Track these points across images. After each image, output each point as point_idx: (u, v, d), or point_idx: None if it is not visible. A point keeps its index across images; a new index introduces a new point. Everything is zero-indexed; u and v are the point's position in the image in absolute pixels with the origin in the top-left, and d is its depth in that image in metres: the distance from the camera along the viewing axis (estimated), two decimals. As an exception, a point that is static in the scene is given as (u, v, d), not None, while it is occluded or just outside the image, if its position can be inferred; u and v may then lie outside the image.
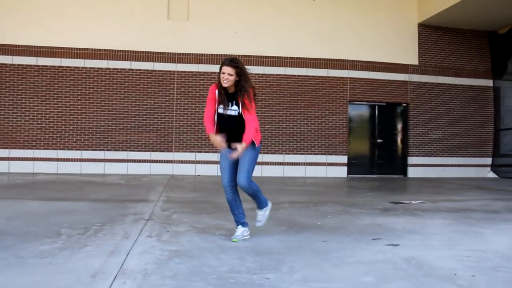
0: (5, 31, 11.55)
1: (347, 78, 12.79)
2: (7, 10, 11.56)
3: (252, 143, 4.33)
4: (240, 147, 4.17)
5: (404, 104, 13.31)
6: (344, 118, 12.78)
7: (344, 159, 12.75)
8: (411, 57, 13.24)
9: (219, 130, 4.42)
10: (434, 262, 3.74)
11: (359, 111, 13.29)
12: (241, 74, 4.26)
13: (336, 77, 12.76)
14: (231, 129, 4.37)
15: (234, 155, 4.20)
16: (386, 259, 3.84)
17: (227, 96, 4.35)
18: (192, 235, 4.68)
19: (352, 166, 12.89)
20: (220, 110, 4.36)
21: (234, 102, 4.32)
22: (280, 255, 3.94)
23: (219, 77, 4.30)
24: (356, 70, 12.84)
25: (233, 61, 4.27)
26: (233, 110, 4.33)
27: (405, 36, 13.21)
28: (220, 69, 4.29)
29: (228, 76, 4.22)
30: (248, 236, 4.51)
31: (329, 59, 12.73)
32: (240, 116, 4.32)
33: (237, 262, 3.69)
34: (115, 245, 4.15)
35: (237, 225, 4.53)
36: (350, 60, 12.81)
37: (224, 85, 4.26)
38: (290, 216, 5.98)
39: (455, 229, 5.24)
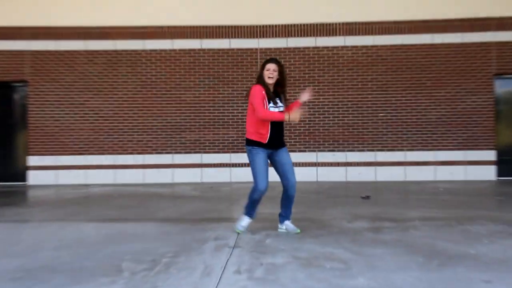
0: (49, 12, 11.97)
1: (491, 43, 11.94)
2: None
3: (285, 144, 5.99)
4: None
5: None
6: (489, 99, 11.94)
7: (490, 155, 11.93)
8: None
9: (270, 128, 5.73)
10: None
11: (511, 87, 12.37)
12: (282, 72, 5.76)
13: (475, 43, 11.95)
14: (280, 125, 5.82)
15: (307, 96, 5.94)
16: None
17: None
18: (294, 269, 4.38)
19: (504, 165, 12.03)
20: (272, 109, 5.66)
21: (278, 100, 5.77)
22: (425, 301, 3.52)
23: (261, 77, 5.72)
24: (505, 31, 11.91)
25: (277, 60, 5.76)
26: (281, 107, 5.74)
27: None
28: (263, 67, 5.71)
29: (273, 72, 5.66)
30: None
31: (463, 19, 11.94)
32: None
33: (363, 314, 3.32)
34: (193, 286, 3.95)
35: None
36: (495, 18, 11.93)
37: (270, 81, 5.67)
38: (426, 239, 5.51)
39: None
